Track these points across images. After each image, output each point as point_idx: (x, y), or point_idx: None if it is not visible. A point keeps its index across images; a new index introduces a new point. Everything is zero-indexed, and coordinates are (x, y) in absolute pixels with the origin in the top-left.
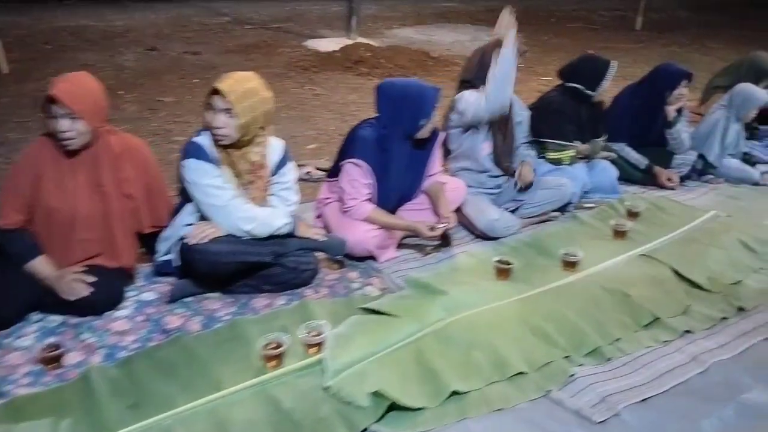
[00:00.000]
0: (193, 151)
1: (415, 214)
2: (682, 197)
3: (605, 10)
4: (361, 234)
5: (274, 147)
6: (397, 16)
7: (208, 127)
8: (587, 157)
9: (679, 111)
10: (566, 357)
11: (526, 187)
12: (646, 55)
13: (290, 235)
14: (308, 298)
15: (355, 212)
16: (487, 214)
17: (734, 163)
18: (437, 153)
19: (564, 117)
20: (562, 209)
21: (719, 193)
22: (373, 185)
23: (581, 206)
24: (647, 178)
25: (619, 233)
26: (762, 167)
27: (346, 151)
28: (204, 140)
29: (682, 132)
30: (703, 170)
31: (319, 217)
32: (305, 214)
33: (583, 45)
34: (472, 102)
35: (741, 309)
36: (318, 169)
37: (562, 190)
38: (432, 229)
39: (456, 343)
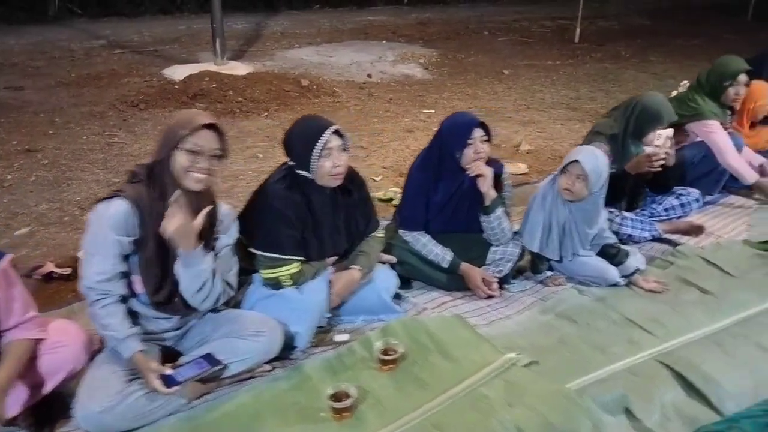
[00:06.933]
0: None
1: None
2: (489, 315)
3: (549, 20)
4: None
5: None
6: (309, 33)
7: None
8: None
9: (497, 183)
10: None
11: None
12: (568, 73)
13: None
14: None
15: None
16: (91, 404)
17: (586, 259)
18: (11, 291)
19: (278, 218)
20: (280, 357)
21: (547, 309)
22: None
23: (329, 340)
24: (455, 281)
25: (339, 412)
26: (635, 259)
27: None
28: None
29: (503, 218)
30: (535, 266)
31: None
32: None
33: (502, 64)
34: None
35: None
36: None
37: (259, 344)
38: None
39: None
